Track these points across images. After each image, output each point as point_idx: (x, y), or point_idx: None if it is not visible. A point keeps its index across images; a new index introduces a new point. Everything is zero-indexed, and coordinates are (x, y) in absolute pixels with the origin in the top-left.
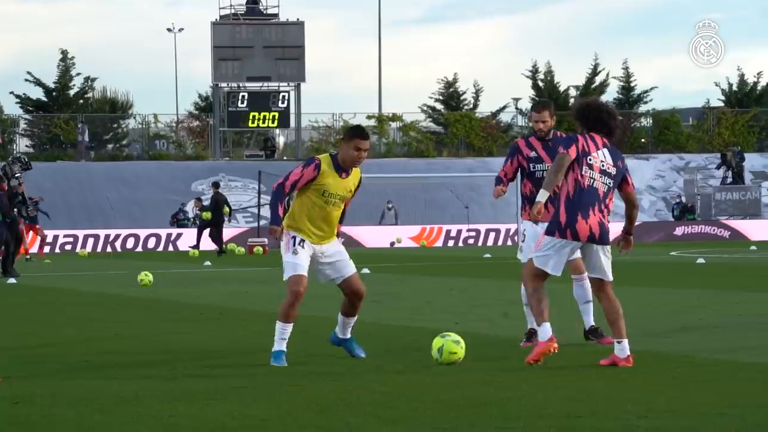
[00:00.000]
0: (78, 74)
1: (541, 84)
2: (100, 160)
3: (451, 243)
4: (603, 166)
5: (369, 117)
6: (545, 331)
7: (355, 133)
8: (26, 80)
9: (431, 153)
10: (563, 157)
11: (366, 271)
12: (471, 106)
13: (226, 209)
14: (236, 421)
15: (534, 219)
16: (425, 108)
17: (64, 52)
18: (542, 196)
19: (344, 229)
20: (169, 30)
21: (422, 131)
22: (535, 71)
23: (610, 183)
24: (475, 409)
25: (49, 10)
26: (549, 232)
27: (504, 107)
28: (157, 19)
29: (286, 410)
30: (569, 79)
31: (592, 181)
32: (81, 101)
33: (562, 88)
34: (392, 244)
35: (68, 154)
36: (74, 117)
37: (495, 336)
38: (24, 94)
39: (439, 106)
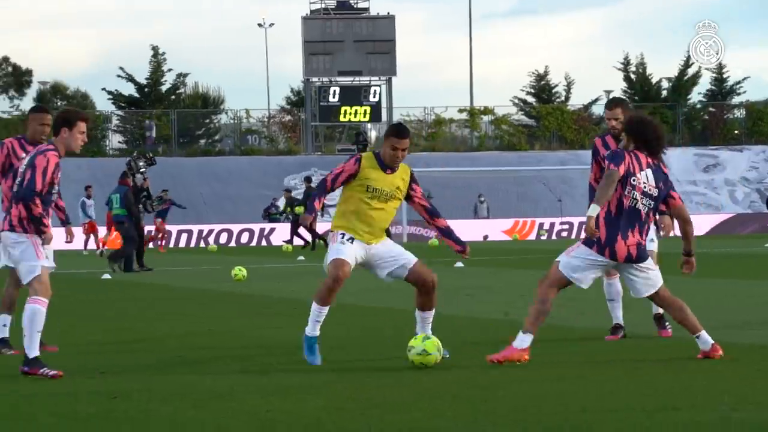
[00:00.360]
0: (170, 70)
1: (633, 76)
2: (192, 156)
3: (544, 236)
4: (645, 187)
5: (461, 110)
6: (525, 341)
7: (391, 132)
8: (118, 76)
9: (523, 146)
10: (613, 174)
11: (459, 265)
12: (563, 98)
13: None
14: (329, 415)
15: (590, 236)
16: (517, 101)
17: (155, 48)
18: (593, 211)
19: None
20: (259, 25)
21: (514, 124)
22: (626, 63)
23: (650, 204)
24: (564, 402)
25: (140, 6)
26: (587, 243)
27: (596, 100)
28: (248, 15)
29: (380, 404)
30: (661, 71)
31: (634, 202)
32: (173, 97)
33: (654, 80)
34: (485, 237)
35: (162, 149)
36: (166, 113)
37: (587, 329)
38: (116, 90)
39: (530, 99)
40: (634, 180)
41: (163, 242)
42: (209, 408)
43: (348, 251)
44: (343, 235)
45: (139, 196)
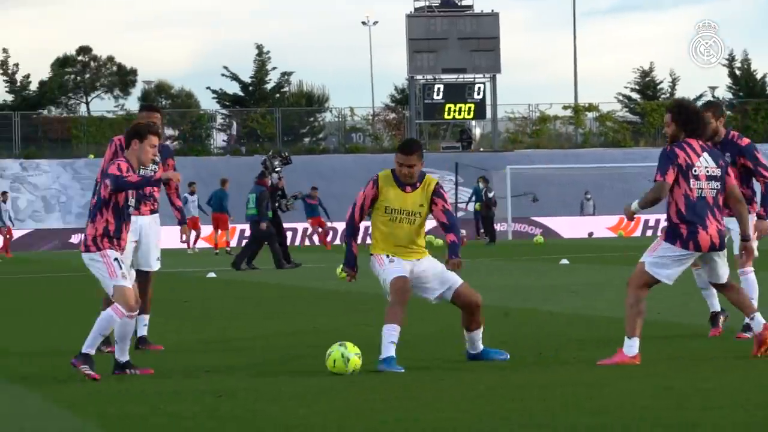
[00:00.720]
0: (274, 69)
1: (737, 72)
2: (296, 154)
3: (649, 233)
4: (708, 171)
5: (565, 107)
6: (633, 346)
7: (398, 147)
8: (222, 75)
9: (628, 143)
10: (662, 188)
11: (564, 261)
12: (667, 95)
13: None
14: (437, 413)
15: (627, 218)
16: (621, 98)
17: (259, 47)
18: (634, 207)
19: (542, 220)
20: (364, 23)
21: (618, 121)
22: (731, 59)
23: (717, 186)
24: (663, 398)
25: (244, 5)
26: (669, 239)
27: (700, 96)
28: (352, 13)
29: (490, 400)
30: (766, 66)
31: (700, 191)
32: (277, 95)
33: (758, 76)
34: (590, 234)
35: (265, 148)
36: (270, 111)
37: (693, 325)
38: (220, 89)
39: (635, 95)
40: (695, 171)
41: (327, 239)
42: (317, 406)
43: (401, 265)
44: (387, 256)
45: (274, 195)
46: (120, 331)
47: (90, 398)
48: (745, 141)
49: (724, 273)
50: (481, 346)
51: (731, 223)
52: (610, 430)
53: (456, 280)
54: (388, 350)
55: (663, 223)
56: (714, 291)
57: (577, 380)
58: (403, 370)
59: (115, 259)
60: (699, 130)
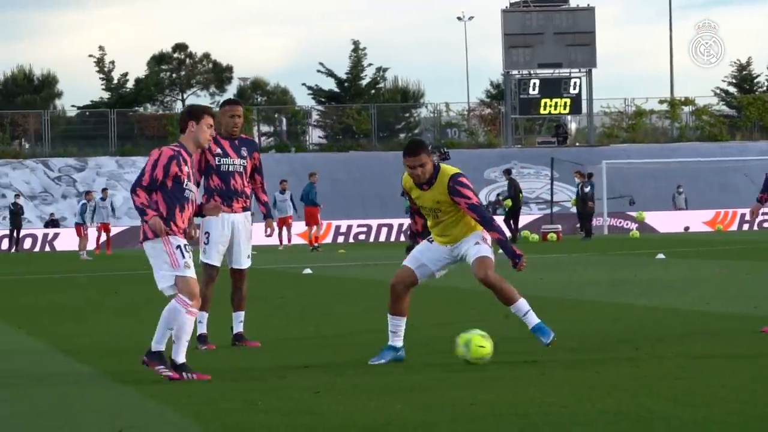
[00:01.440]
0: (369, 65)
1: None
2: (392, 150)
3: (745, 227)
4: None
5: (661, 101)
6: None
7: (403, 152)
8: (318, 71)
9: (724, 137)
10: None
11: (661, 256)
12: (764, 88)
13: (520, 196)
14: (536, 407)
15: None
16: (718, 91)
17: (355, 43)
18: None
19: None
20: (459, 19)
21: (715, 115)
22: None
23: None
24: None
25: (340, 1)
26: None
27: None
28: (447, 8)
29: (587, 395)
30: None
31: None
32: (372, 91)
33: None
34: (686, 228)
35: (360, 144)
36: (366, 107)
37: None
38: (316, 85)
39: (732, 89)
40: None
41: None
42: (414, 401)
43: (418, 254)
44: (430, 241)
45: None
46: (178, 329)
47: (186, 395)
48: None
49: None
50: (532, 321)
51: None
52: (709, 424)
53: (473, 255)
54: (390, 339)
55: (760, 217)
56: None
57: (675, 374)
58: (396, 358)
59: (178, 246)
60: None
